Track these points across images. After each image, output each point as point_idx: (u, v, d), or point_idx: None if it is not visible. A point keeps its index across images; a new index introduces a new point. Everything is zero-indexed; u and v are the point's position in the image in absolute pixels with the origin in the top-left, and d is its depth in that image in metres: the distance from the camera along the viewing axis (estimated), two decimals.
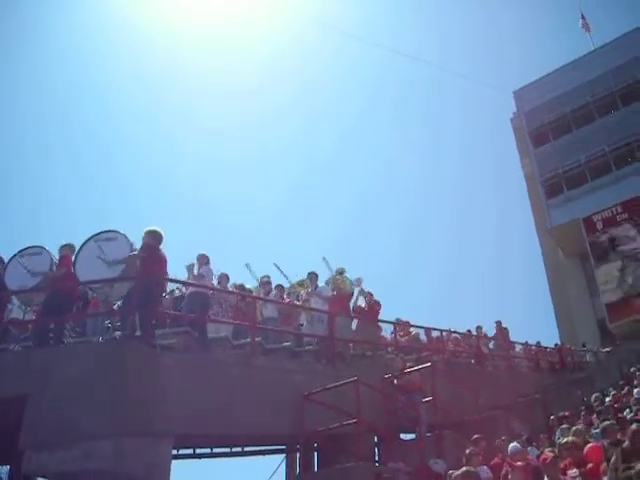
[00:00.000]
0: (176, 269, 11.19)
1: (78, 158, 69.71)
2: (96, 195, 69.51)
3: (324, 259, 14.24)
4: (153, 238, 9.88)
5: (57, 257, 10.62)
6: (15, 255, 10.83)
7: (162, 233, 9.98)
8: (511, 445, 9.33)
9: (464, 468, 7.32)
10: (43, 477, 9.55)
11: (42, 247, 10.80)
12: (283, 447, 13.86)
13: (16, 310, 11.78)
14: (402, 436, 12.57)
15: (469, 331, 19.18)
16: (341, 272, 13.95)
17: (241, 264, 14.35)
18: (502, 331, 20.37)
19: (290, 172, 77.39)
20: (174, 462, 9.49)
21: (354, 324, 13.97)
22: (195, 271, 11.61)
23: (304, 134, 79.17)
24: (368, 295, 14.33)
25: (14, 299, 11.25)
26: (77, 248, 10.49)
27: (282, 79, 77.40)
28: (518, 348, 21.49)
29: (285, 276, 14.25)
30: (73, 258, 10.43)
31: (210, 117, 75.46)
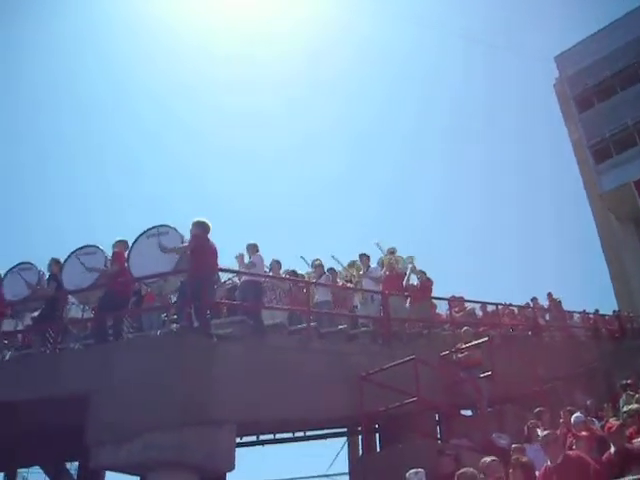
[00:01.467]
0: (225, 259, 11.24)
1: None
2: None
3: (377, 244, 14.24)
4: (201, 228, 9.92)
5: (110, 255, 10.79)
6: (70, 255, 11.01)
7: (209, 223, 10.02)
8: (574, 415, 9.24)
9: (520, 459, 7.22)
10: (110, 470, 9.75)
11: (96, 246, 10.95)
12: (344, 430, 13.96)
13: (75, 309, 12.00)
14: (463, 412, 12.53)
15: (527, 304, 19.00)
16: (392, 252, 13.92)
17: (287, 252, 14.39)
18: (554, 302, 20.10)
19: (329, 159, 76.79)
20: (239, 450, 9.61)
21: (408, 303, 13.92)
22: (245, 260, 11.68)
23: (342, 116, 78.39)
24: (420, 273, 14.25)
25: (72, 299, 11.45)
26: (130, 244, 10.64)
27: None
28: (575, 317, 21.16)
29: (340, 263, 14.29)
30: (126, 254, 10.58)
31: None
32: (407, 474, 7.45)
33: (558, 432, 7.66)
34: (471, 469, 7.14)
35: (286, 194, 74.83)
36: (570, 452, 6.83)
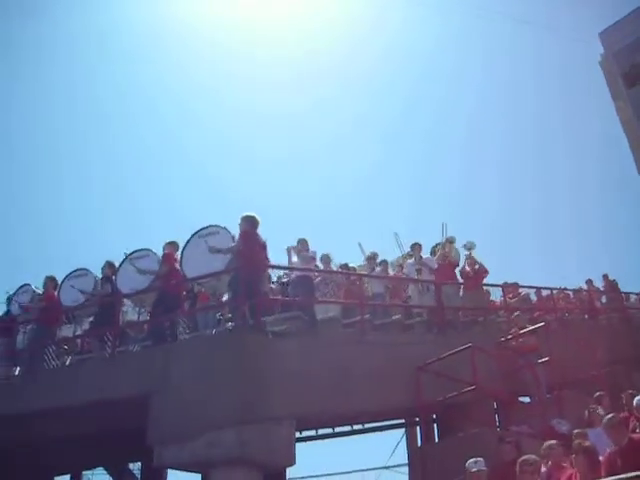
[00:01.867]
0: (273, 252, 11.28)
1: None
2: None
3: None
4: (249, 224, 9.92)
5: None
6: (124, 259, 11.19)
7: (258, 218, 10.03)
8: (637, 398, 9.08)
9: (582, 443, 7.11)
10: (173, 469, 9.87)
11: (149, 249, 11.13)
12: (402, 421, 13.95)
13: (131, 312, 12.18)
14: (521, 399, 12.42)
15: (581, 287, 18.71)
16: (451, 241, 13.82)
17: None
18: (610, 284, 19.76)
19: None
20: (298, 445, 9.66)
21: (461, 291, 13.84)
22: (294, 256, 11.71)
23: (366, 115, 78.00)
24: (473, 261, 14.13)
25: (128, 302, 11.62)
26: (182, 246, 10.76)
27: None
28: (632, 299, 20.76)
29: (400, 246, 14.31)
30: (178, 255, 10.70)
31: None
32: (467, 463, 7.41)
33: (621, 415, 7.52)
34: (533, 455, 7.08)
35: (315, 194, 74.60)
36: (634, 435, 6.70)
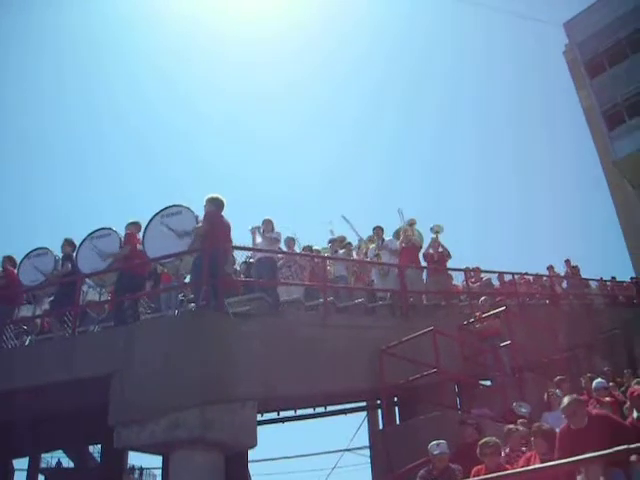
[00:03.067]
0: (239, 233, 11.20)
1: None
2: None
3: (399, 211, 14.21)
4: (215, 205, 9.89)
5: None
6: (85, 239, 11.02)
7: (223, 199, 10.00)
8: (596, 381, 9.23)
9: (541, 426, 7.20)
10: (135, 450, 9.80)
11: (110, 228, 10.96)
12: (364, 404, 13.99)
13: (91, 292, 12.03)
14: (483, 382, 12.53)
15: (544, 274, 18.93)
16: (412, 223, 13.86)
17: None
18: (572, 269, 20.03)
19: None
20: (260, 427, 9.65)
21: (424, 275, 13.89)
22: (259, 236, 11.67)
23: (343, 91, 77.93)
24: (438, 244, 14.18)
25: (88, 281, 11.47)
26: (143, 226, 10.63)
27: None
28: (593, 285, 21.08)
29: (355, 231, 14.31)
30: (140, 236, 10.57)
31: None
32: (429, 445, 7.45)
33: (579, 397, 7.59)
34: (493, 438, 7.15)
35: (284, 176, 74.68)
36: (594, 411, 6.75)
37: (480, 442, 7.09)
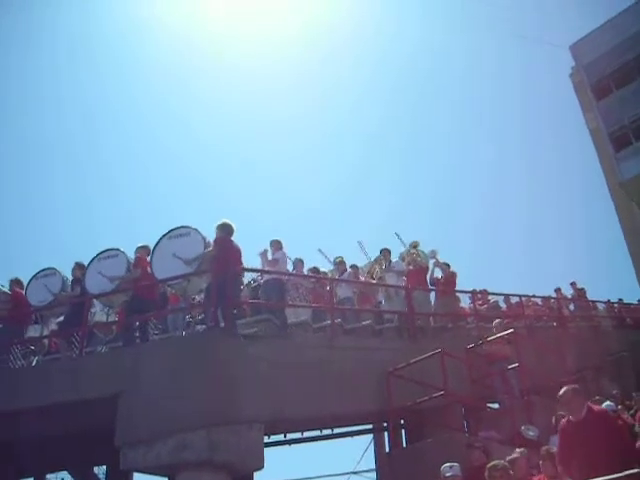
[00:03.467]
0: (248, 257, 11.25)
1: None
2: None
3: (397, 235, 14.25)
4: (224, 231, 10.00)
5: (133, 258, 10.83)
6: (93, 259, 11.05)
7: (233, 225, 10.10)
8: (605, 404, 9.17)
9: (550, 450, 7.18)
10: (140, 472, 9.76)
11: (118, 249, 10.98)
12: (370, 427, 13.93)
13: (99, 313, 12.05)
14: (490, 405, 12.47)
15: (550, 295, 18.89)
16: (415, 245, 13.91)
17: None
18: (578, 291, 19.98)
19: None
20: (267, 449, 9.61)
21: (432, 297, 13.89)
22: (269, 257, 11.70)
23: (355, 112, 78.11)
24: (444, 266, 14.20)
25: (96, 302, 11.50)
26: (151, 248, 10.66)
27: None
28: (600, 307, 21.01)
29: (366, 254, 14.36)
30: (149, 259, 10.60)
31: None
32: (442, 468, 7.40)
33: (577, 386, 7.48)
34: (502, 461, 7.10)
35: (290, 199, 74.59)
36: (594, 406, 6.71)
37: (488, 465, 7.05)
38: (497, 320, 12.95)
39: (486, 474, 6.90)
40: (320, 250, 14.64)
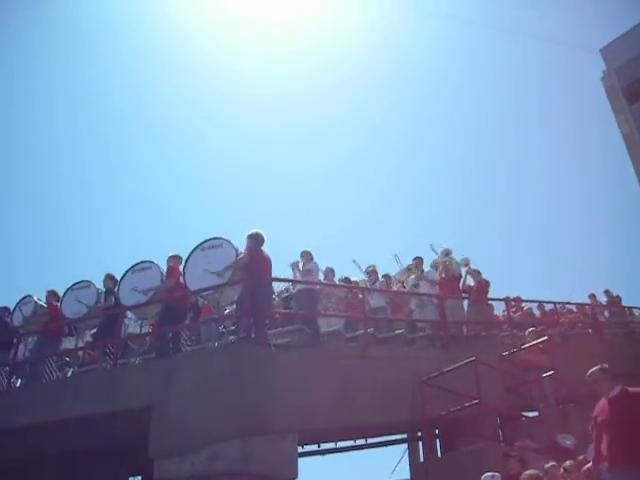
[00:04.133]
0: (279, 267, 11.28)
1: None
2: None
3: (432, 246, 14.23)
4: (255, 240, 10.05)
5: (164, 269, 10.92)
6: (127, 271, 11.16)
7: (263, 234, 10.15)
8: None
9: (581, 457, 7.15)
10: None
11: (151, 262, 11.06)
12: (404, 436, 13.86)
13: (132, 325, 12.15)
14: (526, 414, 12.36)
15: (586, 303, 18.68)
16: (448, 253, 13.87)
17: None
18: (612, 299, 19.70)
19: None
20: (301, 459, 9.61)
21: (465, 305, 13.82)
22: (300, 268, 11.73)
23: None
24: (476, 274, 14.12)
25: (130, 314, 11.60)
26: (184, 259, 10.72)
27: None
28: (636, 313, 20.70)
29: (360, 268, 14.39)
30: (181, 268, 10.67)
31: None
32: (482, 477, 7.36)
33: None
34: (537, 471, 7.05)
35: (319, 213, 74.41)
36: (631, 389, 6.60)
37: (523, 475, 7.01)
38: (530, 328, 12.82)
39: None
40: (354, 261, 14.62)
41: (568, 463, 7.56)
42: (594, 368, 6.54)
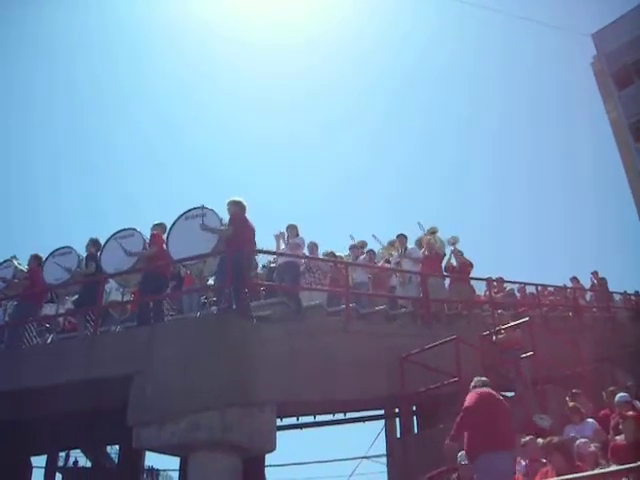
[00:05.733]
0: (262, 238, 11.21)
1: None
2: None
3: (419, 223, 14.18)
4: (239, 207, 9.92)
5: (148, 237, 10.83)
6: (110, 238, 11.06)
7: (245, 203, 10.02)
8: (619, 395, 9.10)
9: (550, 438, 7.21)
10: (153, 451, 9.79)
11: (134, 229, 10.98)
12: (382, 412, 13.92)
13: (114, 293, 12.09)
14: (504, 393, 12.42)
15: (565, 286, 18.78)
16: (433, 232, 13.80)
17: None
18: (599, 281, 19.81)
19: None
20: (279, 432, 9.62)
21: (447, 283, 13.83)
22: (282, 242, 11.68)
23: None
24: (459, 255, 14.13)
25: (112, 282, 11.52)
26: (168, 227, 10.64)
27: None
28: (617, 298, 20.83)
29: (380, 242, 14.35)
30: (165, 237, 10.59)
31: None
32: (458, 454, 7.42)
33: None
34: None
35: (306, 182, 74.45)
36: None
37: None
38: (500, 310, 12.93)
39: None
40: (374, 236, 14.59)
41: (541, 441, 7.61)
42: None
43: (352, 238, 14.16)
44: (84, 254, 11.44)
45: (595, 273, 19.90)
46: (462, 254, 14.24)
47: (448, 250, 14.07)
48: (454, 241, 14.29)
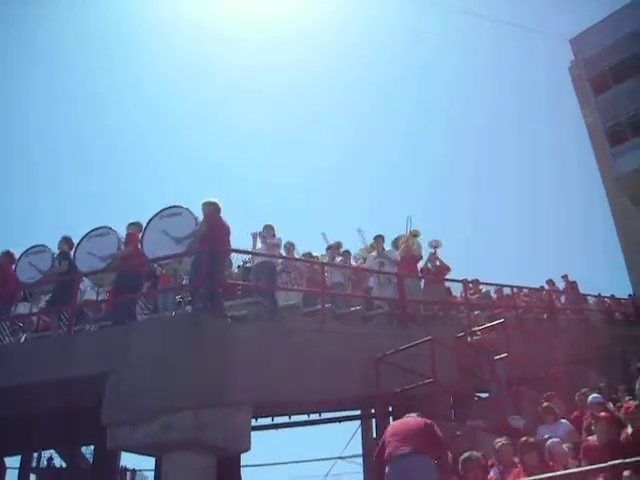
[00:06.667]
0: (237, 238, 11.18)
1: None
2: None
3: (359, 230, 14.31)
4: (213, 208, 9.86)
5: (124, 237, 10.76)
6: (83, 237, 10.98)
7: (220, 203, 9.94)
8: (591, 396, 9.18)
9: (526, 438, 7.26)
10: (127, 451, 9.74)
11: (109, 227, 10.92)
12: (358, 413, 13.95)
13: (89, 292, 12.00)
14: (479, 395, 12.48)
15: (542, 287, 18.94)
16: (415, 235, 13.84)
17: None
18: (570, 284, 20.00)
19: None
20: (254, 433, 9.60)
21: (423, 285, 13.87)
22: (259, 242, 11.66)
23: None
24: (435, 259, 14.21)
25: (86, 280, 11.43)
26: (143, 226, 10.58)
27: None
28: (591, 301, 21.05)
29: (364, 240, 14.41)
30: (140, 236, 10.54)
31: None
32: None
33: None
34: (475, 452, 7.17)
35: (285, 180, 74.69)
36: None
37: (461, 458, 7.11)
38: (476, 312, 13.02)
39: (459, 467, 6.98)
40: (359, 230, 14.67)
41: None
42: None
43: (324, 236, 14.19)
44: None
45: (565, 276, 20.12)
46: (442, 262, 14.33)
47: (426, 254, 14.14)
48: (436, 245, 14.35)
